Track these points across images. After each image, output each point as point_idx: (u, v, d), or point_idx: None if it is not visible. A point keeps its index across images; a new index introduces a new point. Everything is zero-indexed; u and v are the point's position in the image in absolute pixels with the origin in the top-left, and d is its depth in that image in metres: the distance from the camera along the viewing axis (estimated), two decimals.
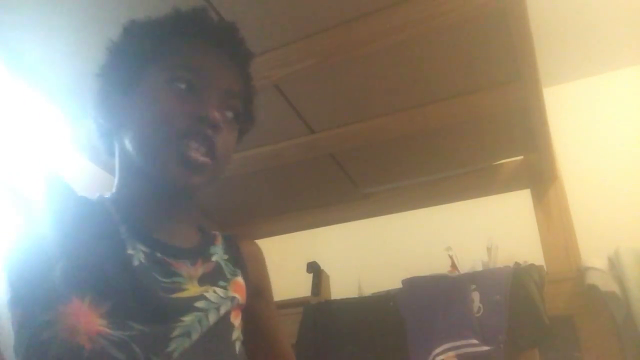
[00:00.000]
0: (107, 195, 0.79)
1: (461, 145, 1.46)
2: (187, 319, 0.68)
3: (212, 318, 0.71)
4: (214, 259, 0.80)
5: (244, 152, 1.45)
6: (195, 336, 0.68)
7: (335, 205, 1.79)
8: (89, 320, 0.61)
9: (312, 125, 1.38)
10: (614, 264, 1.38)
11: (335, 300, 1.75)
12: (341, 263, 2.20)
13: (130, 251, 0.70)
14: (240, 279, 0.80)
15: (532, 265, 1.43)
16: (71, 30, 1.16)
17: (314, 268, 1.84)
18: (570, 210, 1.51)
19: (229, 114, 0.79)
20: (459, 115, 1.31)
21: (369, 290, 1.89)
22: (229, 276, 0.79)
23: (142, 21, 0.80)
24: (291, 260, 2.15)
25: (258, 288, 0.86)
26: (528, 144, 1.44)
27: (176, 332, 0.66)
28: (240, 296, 0.78)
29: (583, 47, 2.11)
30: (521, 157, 1.56)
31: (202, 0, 1.07)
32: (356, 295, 1.90)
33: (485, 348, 1.30)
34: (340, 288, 1.92)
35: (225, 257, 0.82)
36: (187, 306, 0.70)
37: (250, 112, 0.85)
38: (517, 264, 1.46)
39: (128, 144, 0.76)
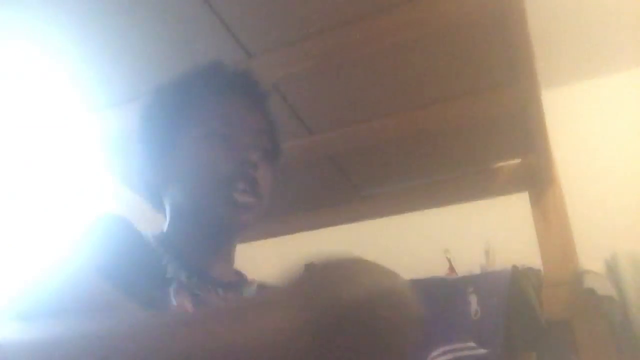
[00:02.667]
0: (156, 232, 0.86)
1: (459, 147, 1.46)
2: None
3: None
4: (245, 293, 0.86)
5: None
6: None
7: (333, 207, 1.78)
8: None
9: (311, 126, 1.38)
10: (612, 267, 1.38)
11: None
12: None
13: (170, 274, 0.76)
14: None
15: (529, 268, 1.43)
16: (87, 19, 1.16)
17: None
18: (568, 214, 1.50)
19: (262, 152, 0.86)
20: (457, 117, 1.31)
21: None
22: None
23: (168, 85, 0.89)
24: (289, 261, 2.14)
25: None
26: (526, 147, 1.44)
27: None
28: None
29: (582, 49, 2.11)
30: (519, 159, 1.56)
31: (202, 2, 1.07)
32: None
33: (483, 351, 1.30)
34: None
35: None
36: None
37: (278, 145, 0.93)
38: (514, 267, 1.46)
39: (178, 195, 0.85)
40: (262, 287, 0.92)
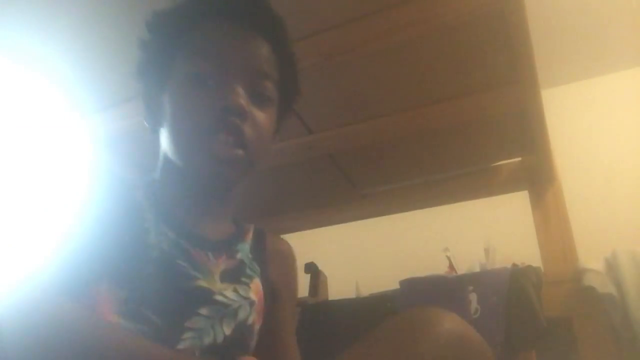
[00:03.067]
0: (147, 177, 0.79)
1: (459, 146, 1.46)
2: (204, 312, 0.67)
3: (228, 326, 0.69)
4: (238, 256, 0.77)
5: None
6: (207, 342, 0.66)
7: (333, 206, 1.78)
8: (105, 312, 0.61)
9: (311, 125, 1.38)
10: (611, 265, 1.38)
11: (332, 300, 1.74)
12: (339, 264, 2.20)
13: (153, 239, 0.68)
14: (258, 281, 0.78)
15: (529, 266, 1.43)
16: (78, 23, 1.16)
17: (311, 269, 1.83)
18: (567, 212, 1.51)
19: (260, 96, 0.75)
20: (457, 116, 1.31)
21: (366, 291, 1.89)
22: (250, 274, 0.77)
23: (162, 12, 0.77)
24: None
25: (276, 289, 0.83)
26: (526, 146, 1.44)
27: (187, 334, 0.64)
28: (257, 299, 0.76)
29: (582, 49, 2.11)
30: (519, 158, 1.56)
31: None
32: (354, 296, 1.89)
33: None
34: (338, 289, 1.92)
35: (251, 255, 0.80)
36: (206, 297, 0.68)
37: (291, 83, 0.82)
38: (514, 265, 1.46)
39: (165, 142, 0.76)
40: (258, 234, 0.85)
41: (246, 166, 0.73)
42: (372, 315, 1.54)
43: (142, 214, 0.71)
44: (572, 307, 1.38)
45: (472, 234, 1.91)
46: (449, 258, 1.77)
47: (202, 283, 0.69)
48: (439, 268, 1.73)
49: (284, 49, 0.80)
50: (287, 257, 0.89)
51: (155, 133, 0.80)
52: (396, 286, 1.56)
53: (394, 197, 1.72)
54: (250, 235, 0.83)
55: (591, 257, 1.43)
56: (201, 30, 0.74)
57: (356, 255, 2.42)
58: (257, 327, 0.75)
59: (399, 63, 1.17)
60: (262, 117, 0.74)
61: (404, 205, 1.75)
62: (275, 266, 0.84)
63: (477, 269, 1.67)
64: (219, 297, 0.69)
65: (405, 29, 1.06)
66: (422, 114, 1.31)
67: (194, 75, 0.72)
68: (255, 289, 0.76)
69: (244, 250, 0.79)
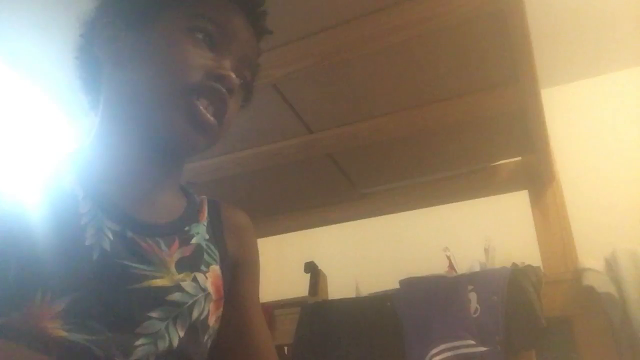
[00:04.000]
0: (75, 152, 0.70)
1: (459, 146, 1.46)
2: (156, 314, 0.60)
3: (182, 327, 0.62)
4: (194, 241, 0.70)
5: (242, 151, 1.45)
6: (162, 347, 0.59)
7: (333, 205, 1.78)
8: (44, 326, 0.53)
9: (310, 125, 1.38)
10: (611, 265, 1.38)
11: (332, 300, 1.75)
12: (339, 263, 2.20)
13: (91, 238, 0.59)
14: (216, 267, 0.71)
15: (529, 266, 1.43)
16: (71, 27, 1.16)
17: (311, 268, 1.83)
18: (567, 212, 1.51)
19: (242, 81, 0.75)
20: (457, 116, 1.31)
21: (366, 290, 1.89)
22: (209, 261, 0.70)
23: None
24: (288, 260, 2.15)
25: (236, 265, 0.78)
26: (526, 145, 1.44)
27: (140, 341, 0.58)
28: (214, 289, 0.69)
29: (582, 48, 2.11)
30: (519, 158, 1.56)
31: None
32: (353, 296, 1.90)
33: (482, 349, 1.30)
34: (338, 288, 1.92)
35: (207, 236, 0.73)
36: (158, 298, 0.61)
37: (251, 88, 0.82)
38: (514, 264, 1.46)
39: (126, 88, 0.69)
40: (212, 210, 0.78)
41: (213, 140, 0.71)
42: (372, 314, 1.54)
43: (77, 208, 0.61)
44: (572, 307, 1.38)
45: (472, 233, 1.91)
46: (448, 258, 1.77)
47: (156, 281, 0.61)
48: (439, 268, 1.74)
49: (259, 53, 0.82)
50: (245, 229, 0.83)
51: (96, 74, 0.73)
52: (396, 286, 1.56)
53: (394, 197, 1.72)
54: (205, 213, 0.76)
55: (591, 256, 1.43)
56: (220, 4, 0.72)
57: (356, 254, 2.42)
58: (212, 319, 0.69)
59: (398, 63, 1.17)
60: (237, 102, 0.75)
61: (403, 204, 1.75)
62: (233, 239, 0.78)
63: (477, 269, 1.68)
64: (173, 297, 0.62)
65: (405, 29, 1.07)
66: (422, 114, 1.31)
67: (193, 32, 0.69)
68: (212, 279, 0.69)
69: (200, 234, 0.72)
